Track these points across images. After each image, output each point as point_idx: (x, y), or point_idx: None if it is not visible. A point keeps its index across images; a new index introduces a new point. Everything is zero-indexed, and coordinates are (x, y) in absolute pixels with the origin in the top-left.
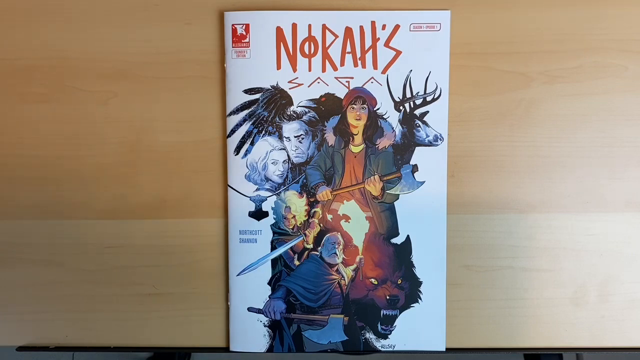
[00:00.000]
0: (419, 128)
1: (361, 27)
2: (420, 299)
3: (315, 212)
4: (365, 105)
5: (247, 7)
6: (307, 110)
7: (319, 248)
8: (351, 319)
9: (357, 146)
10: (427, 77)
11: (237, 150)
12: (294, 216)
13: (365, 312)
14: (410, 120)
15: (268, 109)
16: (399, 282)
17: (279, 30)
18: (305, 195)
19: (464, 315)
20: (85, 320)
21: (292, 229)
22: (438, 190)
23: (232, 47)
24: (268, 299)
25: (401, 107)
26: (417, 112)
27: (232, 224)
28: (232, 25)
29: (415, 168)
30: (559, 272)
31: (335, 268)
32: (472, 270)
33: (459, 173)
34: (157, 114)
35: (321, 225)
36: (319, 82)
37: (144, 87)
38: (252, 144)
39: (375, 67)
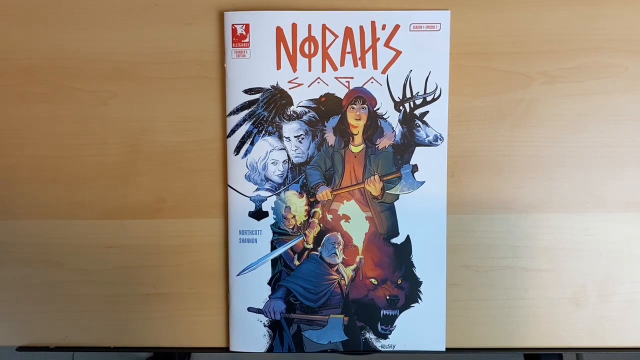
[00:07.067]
0: (419, 128)
1: (361, 27)
2: (420, 299)
3: (315, 212)
4: (365, 105)
5: (247, 7)
6: (307, 110)
7: (319, 248)
8: (351, 319)
9: (357, 146)
10: (427, 77)
11: (237, 150)
12: (294, 216)
13: (365, 312)
14: (410, 120)
15: (268, 109)
16: (399, 282)
17: (279, 30)
18: (305, 195)
19: (464, 315)
20: (85, 320)
21: (292, 229)
22: (438, 190)
23: (232, 47)
24: (268, 299)
25: (401, 107)
26: (417, 112)
27: (232, 224)
28: (232, 25)
29: (415, 168)
30: (559, 272)
31: (335, 268)
32: (472, 270)
33: (459, 173)
34: (157, 114)
35: (321, 225)
36: (319, 82)
37: (144, 87)
38: (252, 144)
39: (375, 67)
